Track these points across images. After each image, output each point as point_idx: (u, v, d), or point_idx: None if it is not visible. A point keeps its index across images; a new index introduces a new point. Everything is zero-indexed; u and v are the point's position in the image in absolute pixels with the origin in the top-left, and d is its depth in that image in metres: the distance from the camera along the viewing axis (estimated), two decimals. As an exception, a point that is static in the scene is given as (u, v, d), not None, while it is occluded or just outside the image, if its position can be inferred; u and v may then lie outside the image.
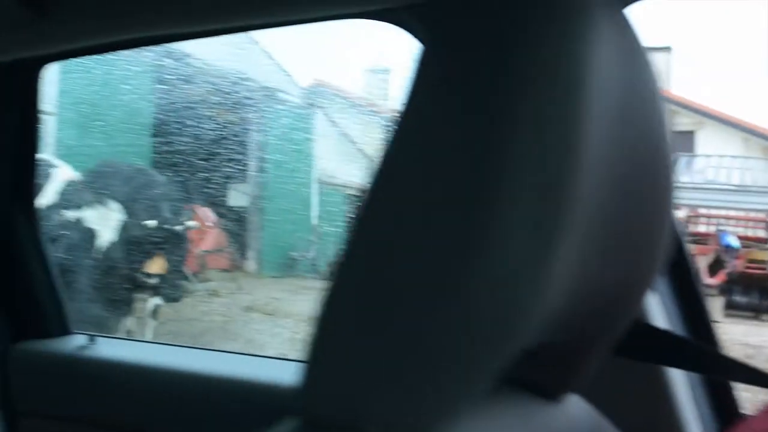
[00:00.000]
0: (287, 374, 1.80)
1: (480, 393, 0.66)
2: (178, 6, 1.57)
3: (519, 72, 0.61)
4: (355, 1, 1.40)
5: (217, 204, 11.11)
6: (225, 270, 11.41)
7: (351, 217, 0.67)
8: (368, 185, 0.67)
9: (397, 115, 0.67)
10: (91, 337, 2.10)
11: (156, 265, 4.34)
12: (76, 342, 2.14)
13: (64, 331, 2.21)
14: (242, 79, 10.11)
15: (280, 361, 2.07)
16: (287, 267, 12.46)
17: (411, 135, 0.66)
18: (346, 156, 13.92)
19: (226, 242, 11.54)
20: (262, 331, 9.01)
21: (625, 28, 0.69)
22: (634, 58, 0.70)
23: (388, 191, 0.66)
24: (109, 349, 2.10)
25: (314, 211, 12.81)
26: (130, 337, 2.43)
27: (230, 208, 12.29)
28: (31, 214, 2.17)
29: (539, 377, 0.80)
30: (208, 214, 10.08)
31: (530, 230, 0.59)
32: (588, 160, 0.60)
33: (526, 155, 0.59)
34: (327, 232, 13.05)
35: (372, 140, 14.99)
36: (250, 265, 12.32)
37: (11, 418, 2.10)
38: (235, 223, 12.06)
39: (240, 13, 1.61)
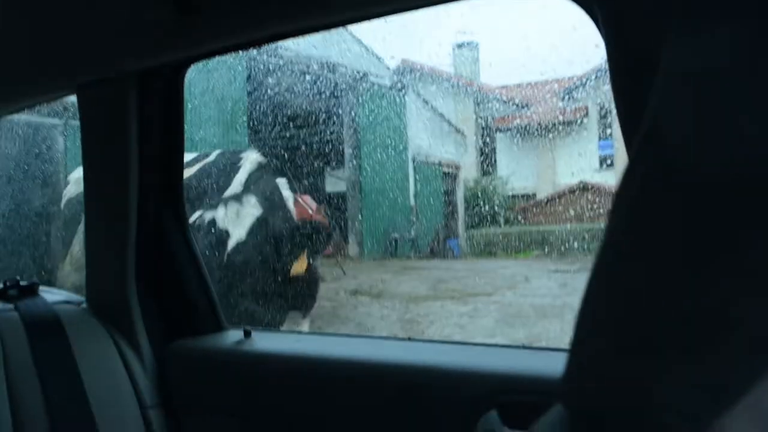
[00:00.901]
0: (442, 358, 1.78)
1: None
2: None
3: None
4: None
5: (317, 190, 11.21)
6: (327, 255, 11.53)
7: (616, 197, 0.64)
8: (636, 160, 0.63)
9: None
10: (246, 332, 2.12)
11: (300, 266, 4.09)
12: (231, 337, 2.17)
13: (218, 326, 2.24)
14: (334, 65, 10.14)
15: (438, 344, 2.05)
16: (388, 249, 12.52)
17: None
18: (438, 134, 13.87)
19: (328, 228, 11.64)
20: (371, 314, 9.09)
21: None
22: None
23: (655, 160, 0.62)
24: (265, 342, 2.12)
25: (411, 191, 12.80)
26: (284, 330, 2.46)
27: (329, 194, 12.39)
28: (179, 213, 2.21)
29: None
30: (309, 201, 10.18)
31: None
32: None
33: None
34: (425, 211, 13.05)
35: (464, 116, 14.92)
36: (352, 248, 12.42)
37: (172, 414, 2.14)
38: (335, 209, 12.15)
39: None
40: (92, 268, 2.23)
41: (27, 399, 1.88)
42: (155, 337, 2.19)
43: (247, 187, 4.31)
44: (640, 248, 0.61)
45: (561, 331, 8.51)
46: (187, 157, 5.59)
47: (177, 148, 2.16)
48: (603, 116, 15.90)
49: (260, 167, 4.57)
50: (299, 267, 3.93)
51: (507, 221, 14.48)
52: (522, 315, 9.40)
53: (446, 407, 1.69)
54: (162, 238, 2.20)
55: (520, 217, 14.77)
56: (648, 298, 0.60)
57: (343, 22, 1.84)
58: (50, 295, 2.20)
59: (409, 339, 2.14)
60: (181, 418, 2.14)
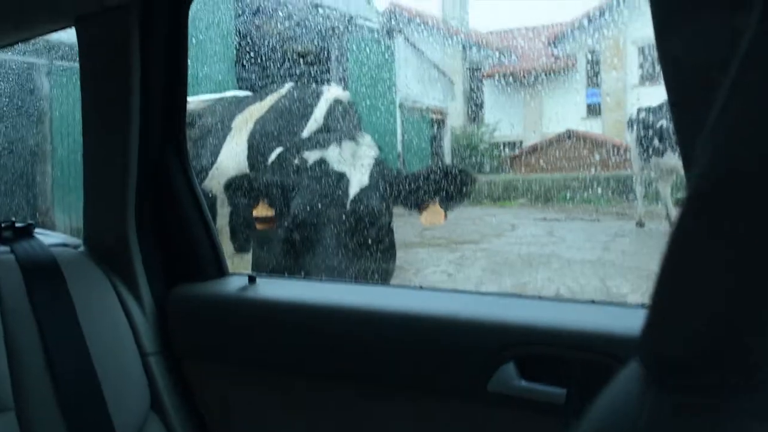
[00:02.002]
0: (455, 307, 1.72)
1: None
2: None
3: None
4: None
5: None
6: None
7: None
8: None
9: None
10: (251, 278, 2.06)
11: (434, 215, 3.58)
12: (234, 283, 2.10)
13: (222, 272, 2.17)
14: (321, 6, 9.97)
15: (450, 293, 1.99)
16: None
17: None
18: (426, 80, 13.74)
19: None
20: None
21: None
22: None
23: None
24: (270, 288, 2.06)
25: (398, 138, 12.72)
26: (288, 276, 2.38)
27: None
28: (182, 153, 2.12)
29: None
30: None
31: None
32: None
33: None
34: (411, 158, 12.97)
35: (451, 62, 14.78)
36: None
37: (173, 361, 2.08)
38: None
39: None
40: (90, 209, 2.15)
41: (24, 343, 1.81)
42: (156, 282, 2.12)
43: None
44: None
45: (548, 280, 8.53)
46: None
47: (180, 83, 2.06)
48: (591, 65, 15.82)
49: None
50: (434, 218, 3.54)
51: (493, 169, 14.46)
52: (509, 263, 9.40)
53: (460, 358, 1.64)
54: (164, 179, 2.11)
55: (506, 165, 14.74)
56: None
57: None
58: (46, 237, 2.12)
59: (421, 288, 2.07)
60: (183, 365, 2.08)
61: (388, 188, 3.33)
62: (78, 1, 1.93)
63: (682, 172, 1.15)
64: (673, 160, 9.77)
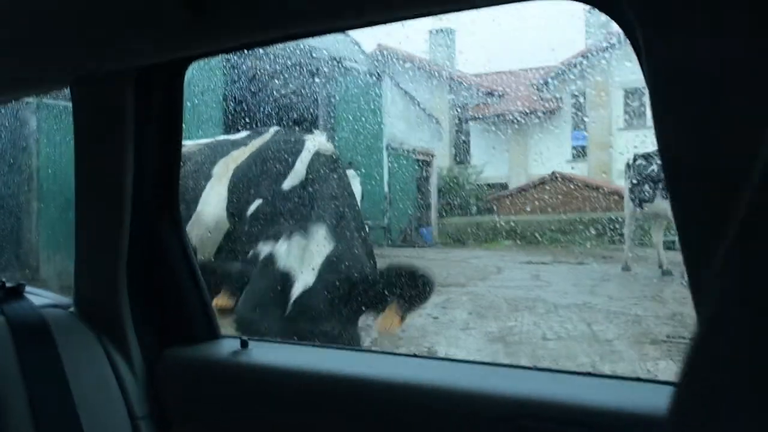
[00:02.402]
0: (456, 377, 1.71)
1: None
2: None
3: None
4: None
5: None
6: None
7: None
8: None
9: None
10: (243, 342, 2.03)
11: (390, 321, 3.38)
12: (227, 346, 2.08)
13: (214, 335, 2.15)
14: (312, 50, 10.01)
15: (450, 363, 1.98)
16: (361, 236, 12.44)
17: None
18: (413, 121, 13.80)
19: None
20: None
21: None
22: None
23: None
24: (263, 353, 2.03)
25: (385, 179, 12.73)
26: (283, 341, 2.35)
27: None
28: (175, 216, 2.11)
29: None
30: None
31: None
32: None
33: None
34: (398, 200, 12.99)
35: (438, 103, 14.86)
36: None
37: (163, 425, 2.05)
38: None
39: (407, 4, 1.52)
40: (81, 270, 2.12)
41: (13, 407, 1.79)
42: (147, 344, 2.09)
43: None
44: None
45: (534, 325, 8.52)
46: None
47: (174, 148, 2.05)
48: (576, 107, 15.94)
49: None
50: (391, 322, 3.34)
51: (479, 210, 14.49)
52: (494, 307, 9.39)
53: (459, 429, 1.62)
54: (156, 241, 2.09)
55: (492, 207, 14.78)
56: None
57: (350, 27, 1.75)
58: (37, 297, 2.10)
59: (418, 356, 2.05)
60: (171, 428, 2.05)
61: (341, 288, 3.33)
62: (75, 64, 1.93)
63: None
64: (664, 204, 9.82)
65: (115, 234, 2.01)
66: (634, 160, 11.07)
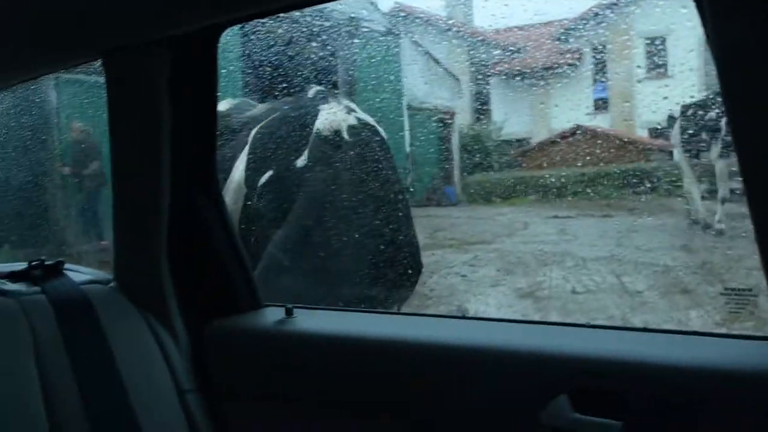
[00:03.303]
0: (508, 337, 1.70)
1: None
2: None
3: None
4: None
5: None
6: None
7: None
8: None
9: None
10: (288, 310, 2.03)
11: None
12: (271, 315, 2.08)
13: (257, 304, 2.15)
14: (330, 12, 9.91)
15: (500, 323, 1.97)
16: (385, 197, 12.40)
17: None
18: (433, 80, 13.69)
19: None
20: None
21: None
22: None
23: None
24: (308, 320, 2.04)
25: (406, 139, 12.67)
26: (328, 307, 2.36)
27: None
28: (213, 186, 2.10)
29: None
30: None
31: None
32: None
33: None
34: (420, 159, 12.94)
35: (458, 61, 14.73)
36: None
37: (211, 398, 2.06)
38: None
39: None
40: (121, 245, 2.13)
41: (60, 385, 1.80)
42: (190, 317, 2.10)
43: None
44: None
45: (563, 279, 8.51)
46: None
47: (210, 118, 2.04)
48: (597, 59, 15.75)
49: None
50: None
51: (502, 167, 14.40)
52: (522, 263, 9.37)
53: (509, 390, 1.62)
54: (195, 213, 2.09)
55: (515, 163, 14.67)
56: None
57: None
58: (77, 274, 2.10)
59: (463, 317, 2.05)
60: (222, 403, 2.06)
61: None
62: (107, 35, 1.91)
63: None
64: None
65: (154, 207, 2.00)
66: (686, 110, 10.81)
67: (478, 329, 1.88)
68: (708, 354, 1.46)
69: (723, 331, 5.95)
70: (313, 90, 4.38)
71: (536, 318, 7.30)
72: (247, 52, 9.19)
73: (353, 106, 4.18)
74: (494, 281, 8.60)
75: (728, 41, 1.10)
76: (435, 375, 1.72)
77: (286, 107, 4.42)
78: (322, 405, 1.91)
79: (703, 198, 10.29)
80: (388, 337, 1.83)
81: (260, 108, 4.70)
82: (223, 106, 5.53)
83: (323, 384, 1.90)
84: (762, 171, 1.12)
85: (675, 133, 10.77)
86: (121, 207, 2.08)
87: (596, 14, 14.48)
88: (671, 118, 10.93)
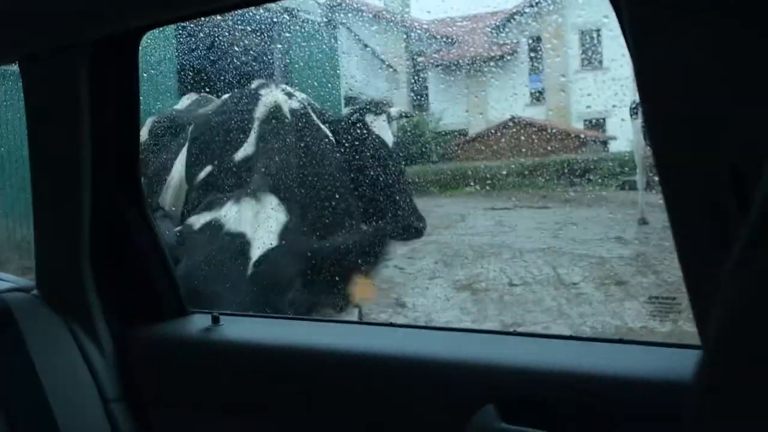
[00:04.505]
0: (432, 346, 1.69)
1: None
2: None
3: None
4: None
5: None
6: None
7: None
8: None
9: None
10: (214, 317, 1.99)
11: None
12: (197, 323, 2.04)
13: (183, 311, 2.10)
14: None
15: (426, 331, 1.95)
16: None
17: None
18: (370, 71, 13.69)
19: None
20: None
21: None
22: None
23: None
24: (235, 328, 2.00)
25: (344, 130, 12.63)
26: (256, 314, 2.30)
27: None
28: (136, 190, 2.05)
29: None
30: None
31: None
32: None
33: None
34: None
35: (395, 51, 14.74)
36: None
37: (137, 407, 2.01)
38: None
39: None
40: (42, 252, 2.06)
41: None
42: (115, 324, 2.04)
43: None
44: None
45: (500, 271, 8.58)
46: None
47: (132, 121, 1.99)
48: (532, 51, 15.91)
49: None
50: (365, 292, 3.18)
51: (440, 158, 14.48)
52: (460, 255, 9.43)
53: (436, 400, 1.60)
54: (118, 216, 2.03)
55: (452, 154, 14.77)
56: None
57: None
58: None
59: (392, 325, 2.03)
60: (148, 412, 2.01)
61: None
62: (25, 40, 1.84)
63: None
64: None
65: (76, 213, 1.94)
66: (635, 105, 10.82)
67: (406, 337, 1.86)
68: (630, 362, 1.47)
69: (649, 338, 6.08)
70: (255, 83, 4.31)
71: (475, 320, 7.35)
72: (181, 47, 9.08)
73: (291, 90, 4.11)
74: (432, 273, 8.64)
75: (647, 57, 1.10)
76: (361, 383, 1.70)
77: (224, 100, 4.36)
78: (249, 413, 1.88)
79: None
80: (314, 345, 1.80)
81: (217, 103, 4.61)
82: (182, 102, 5.43)
83: (249, 392, 1.87)
84: (678, 178, 1.13)
85: (637, 123, 10.82)
86: (42, 213, 2.02)
87: (532, 6, 14.64)
88: (635, 108, 10.93)
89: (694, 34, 1.04)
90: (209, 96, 5.52)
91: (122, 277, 2.08)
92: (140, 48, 1.91)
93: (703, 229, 1.11)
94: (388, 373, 1.66)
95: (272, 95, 3.85)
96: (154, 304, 2.08)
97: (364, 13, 14.10)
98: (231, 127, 3.82)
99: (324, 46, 11.88)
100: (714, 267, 0.95)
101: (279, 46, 10.77)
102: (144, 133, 4.46)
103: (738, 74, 1.03)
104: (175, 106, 4.96)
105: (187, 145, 4.07)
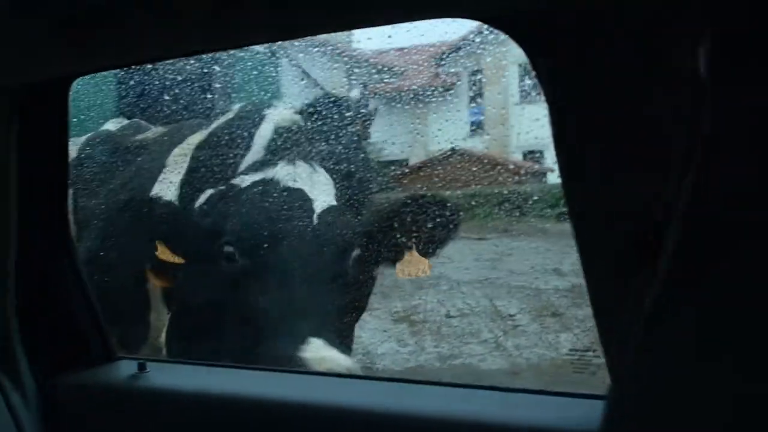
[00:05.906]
0: (378, 398, 1.69)
1: None
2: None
3: None
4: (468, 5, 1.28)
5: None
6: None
7: None
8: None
9: None
10: (141, 365, 1.98)
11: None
12: (124, 370, 2.02)
13: (110, 357, 2.08)
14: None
15: (373, 381, 1.96)
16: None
17: None
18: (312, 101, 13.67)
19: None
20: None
21: None
22: None
23: None
24: (163, 376, 1.98)
25: (285, 159, 12.58)
26: (184, 361, 2.28)
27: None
28: (64, 235, 2.03)
29: None
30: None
31: None
32: None
33: None
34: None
35: (337, 82, 14.77)
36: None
37: None
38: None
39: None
40: None
41: None
42: (40, 370, 2.01)
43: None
44: None
45: (437, 303, 8.60)
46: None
47: (61, 166, 1.97)
48: (473, 83, 16.08)
49: None
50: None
51: (380, 188, 14.53)
52: (398, 286, 9.41)
53: None
54: (44, 262, 2.01)
55: (392, 185, 14.82)
56: None
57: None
58: None
59: (325, 374, 2.03)
60: None
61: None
62: None
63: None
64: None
65: (0, 257, 1.92)
66: None
67: (334, 386, 1.86)
68: (540, 412, 1.49)
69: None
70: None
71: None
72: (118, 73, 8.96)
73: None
74: (370, 305, 8.61)
75: (559, 94, 1.13)
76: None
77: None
78: None
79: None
80: (240, 393, 1.80)
81: (154, 131, 4.53)
82: (112, 125, 5.34)
83: None
84: (588, 213, 1.16)
85: None
86: None
87: (473, 39, 14.83)
88: None
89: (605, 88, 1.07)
90: (142, 122, 5.41)
91: (48, 323, 2.05)
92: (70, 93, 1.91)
93: (616, 284, 1.13)
94: (307, 421, 1.67)
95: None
96: (81, 349, 2.06)
97: (306, 43, 14.12)
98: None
99: (265, 78, 11.85)
100: (626, 321, 0.98)
101: (218, 77, 10.72)
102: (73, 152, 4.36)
103: (644, 127, 1.07)
104: (106, 127, 4.87)
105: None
